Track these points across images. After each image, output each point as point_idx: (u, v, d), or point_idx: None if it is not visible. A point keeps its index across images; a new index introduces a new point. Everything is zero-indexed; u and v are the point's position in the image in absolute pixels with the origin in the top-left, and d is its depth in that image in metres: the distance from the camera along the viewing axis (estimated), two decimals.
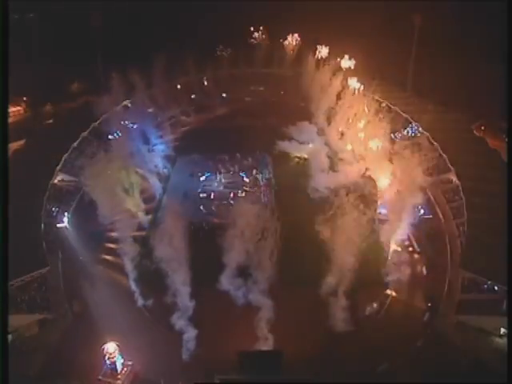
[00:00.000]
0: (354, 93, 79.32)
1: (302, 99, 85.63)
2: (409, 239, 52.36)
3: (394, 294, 49.02)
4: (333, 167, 68.45)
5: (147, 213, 59.60)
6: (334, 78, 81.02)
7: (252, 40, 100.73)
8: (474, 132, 75.02)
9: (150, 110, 78.21)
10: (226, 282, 45.87)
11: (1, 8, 31.62)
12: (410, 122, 71.94)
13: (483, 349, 41.19)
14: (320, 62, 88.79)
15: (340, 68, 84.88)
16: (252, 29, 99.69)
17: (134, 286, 49.11)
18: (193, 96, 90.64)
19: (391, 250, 49.81)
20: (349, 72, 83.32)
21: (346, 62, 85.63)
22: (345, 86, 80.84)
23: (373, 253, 47.31)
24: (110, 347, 39.05)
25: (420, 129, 69.63)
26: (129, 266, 50.19)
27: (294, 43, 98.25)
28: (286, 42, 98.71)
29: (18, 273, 43.81)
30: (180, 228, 42.61)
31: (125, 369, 40.12)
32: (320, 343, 43.39)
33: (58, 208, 58.01)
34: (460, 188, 56.46)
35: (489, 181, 54.07)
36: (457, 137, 63.63)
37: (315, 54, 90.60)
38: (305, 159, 72.57)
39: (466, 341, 42.18)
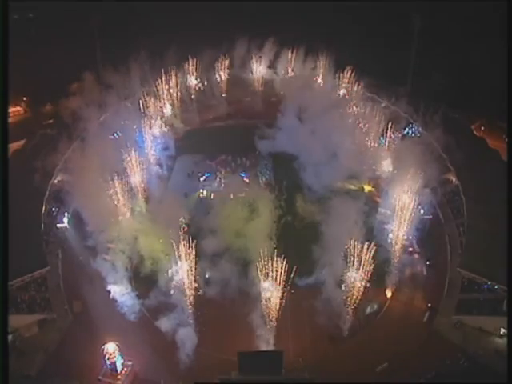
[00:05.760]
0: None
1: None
2: (409, 239, 52.28)
3: (394, 294, 49.03)
4: (332, 164, 68.10)
5: (147, 212, 59.44)
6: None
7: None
8: (474, 132, 75.19)
9: (150, 110, 77.96)
10: (225, 279, 46.11)
11: (1, 8, 31.58)
12: (410, 122, 71.85)
13: (483, 349, 41.29)
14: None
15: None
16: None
17: (133, 286, 49.11)
18: (193, 96, 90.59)
19: (391, 249, 49.70)
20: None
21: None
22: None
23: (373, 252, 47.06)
24: (110, 347, 39.11)
25: (420, 129, 69.54)
26: (128, 266, 50.21)
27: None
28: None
29: (18, 273, 43.93)
30: (178, 226, 42.60)
31: (125, 369, 40.22)
32: (320, 343, 43.48)
33: (58, 208, 58.01)
34: (460, 188, 56.52)
35: (488, 181, 54.06)
36: (457, 137, 63.48)
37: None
38: (305, 157, 72.20)
39: (466, 341, 42.29)
